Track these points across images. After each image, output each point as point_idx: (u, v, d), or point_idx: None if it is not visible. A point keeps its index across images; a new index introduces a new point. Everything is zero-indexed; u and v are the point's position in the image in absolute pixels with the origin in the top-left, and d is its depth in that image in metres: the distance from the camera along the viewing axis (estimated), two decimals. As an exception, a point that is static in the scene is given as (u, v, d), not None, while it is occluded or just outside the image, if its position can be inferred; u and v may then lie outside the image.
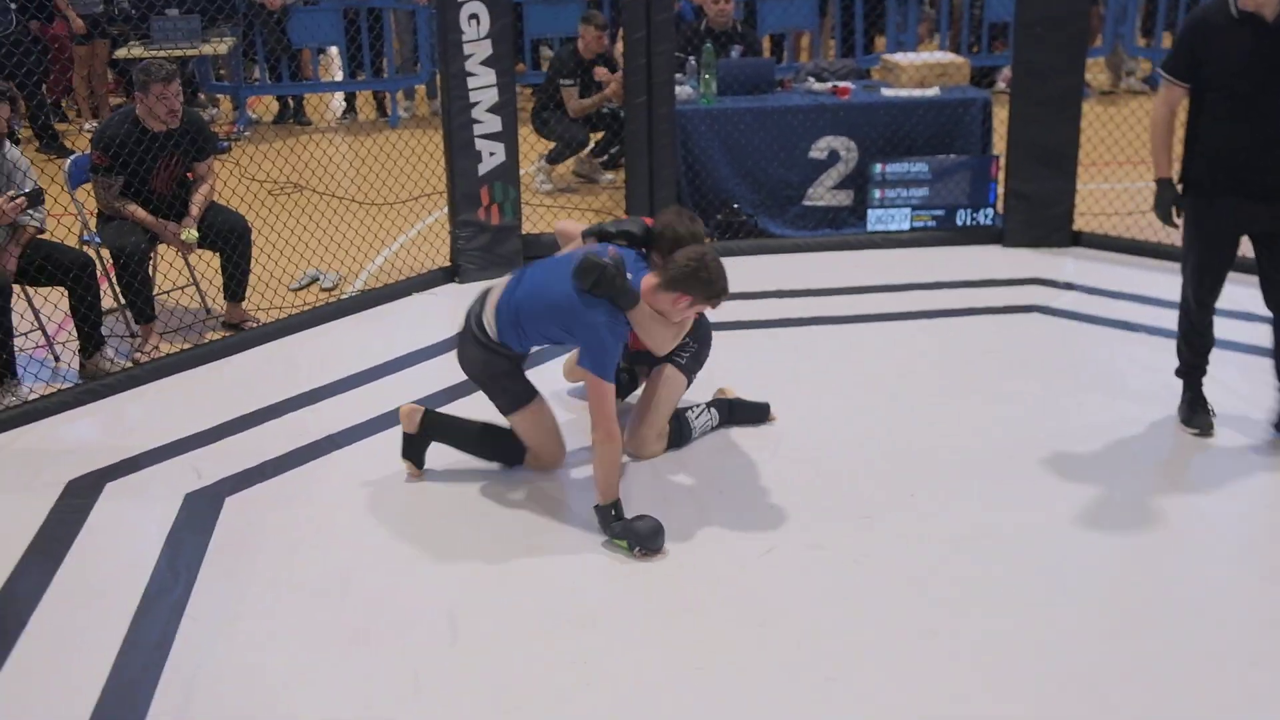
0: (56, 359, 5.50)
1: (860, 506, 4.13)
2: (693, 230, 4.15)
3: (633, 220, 4.27)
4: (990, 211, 6.86)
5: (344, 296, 6.23)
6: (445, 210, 6.59)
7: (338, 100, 11.08)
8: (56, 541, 4.03)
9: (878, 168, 6.81)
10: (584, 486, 4.32)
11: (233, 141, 9.42)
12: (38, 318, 5.49)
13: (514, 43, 6.58)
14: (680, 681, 3.29)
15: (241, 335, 5.69)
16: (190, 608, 3.65)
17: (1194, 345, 4.57)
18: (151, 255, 5.69)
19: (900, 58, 7.46)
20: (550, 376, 4.99)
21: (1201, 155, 4.34)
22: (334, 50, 11.18)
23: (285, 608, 3.67)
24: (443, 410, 4.49)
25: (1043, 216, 6.65)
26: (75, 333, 5.32)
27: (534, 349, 4.30)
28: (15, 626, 3.57)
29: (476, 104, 6.17)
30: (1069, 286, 6.13)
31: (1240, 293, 4.84)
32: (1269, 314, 4.42)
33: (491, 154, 6.25)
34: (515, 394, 4.23)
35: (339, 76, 11.09)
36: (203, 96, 10.35)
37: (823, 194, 7.02)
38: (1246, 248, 4.44)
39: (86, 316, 5.24)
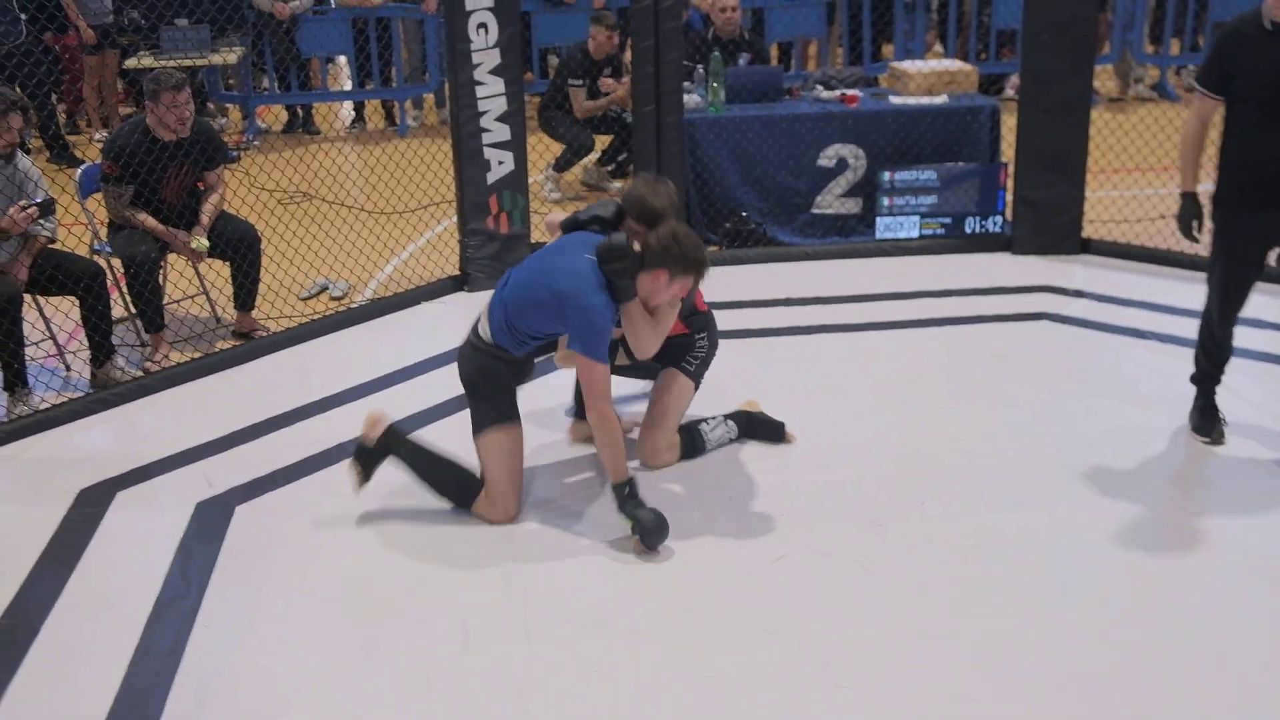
0: (68, 368, 5.53)
1: (869, 512, 4.13)
2: (657, 191, 4.11)
3: (601, 204, 4.24)
4: (999, 219, 6.86)
5: (353, 305, 6.25)
6: (454, 219, 6.60)
7: (346, 109, 11.11)
8: (68, 550, 4.05)
9: (886, 175, 6.81)
10: (592, 491, 4.33)
11: (242, 151, 9.45)
12: (49, 327, 5.51)
13: (522, 52, 6.59)
14: (690, 687, 3.29)
15: (251, 344, 5.70)
16: (202, 615, 3.66)
17: (1212, 356, 4.55)
18: (162, 264, 5.70)
19: (908, 65, 7.46)
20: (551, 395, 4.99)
21: (1231, 167, 4.31)
22: (343, 59, 11.21)
23: (297, 615, 3.68)
24: (417, 436, 4.31)
25: (1051, 224, 6.65)
26: (86, 342, 5.34)
27: (535, 358, 4.25)
28: (28, 634, 3.59)
29: (485, 113, 6.19)
30: (1078, 294, 6.12)
31: (1254, 300, 4.82)
32: None
33: (500, 163, 6.27)
34: (499, 409, 4.07)
35: (348, 86, 11.12)
36: (212, 106, 10.38)
37: (831, 202, 7.02)
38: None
39: (97, 326, 5.26)
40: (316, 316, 6.07)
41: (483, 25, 6.09)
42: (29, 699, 3.33)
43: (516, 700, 3.26)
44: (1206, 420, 4.57)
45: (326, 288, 6.49)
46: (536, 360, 4.26)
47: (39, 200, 5.07)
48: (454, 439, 4.56)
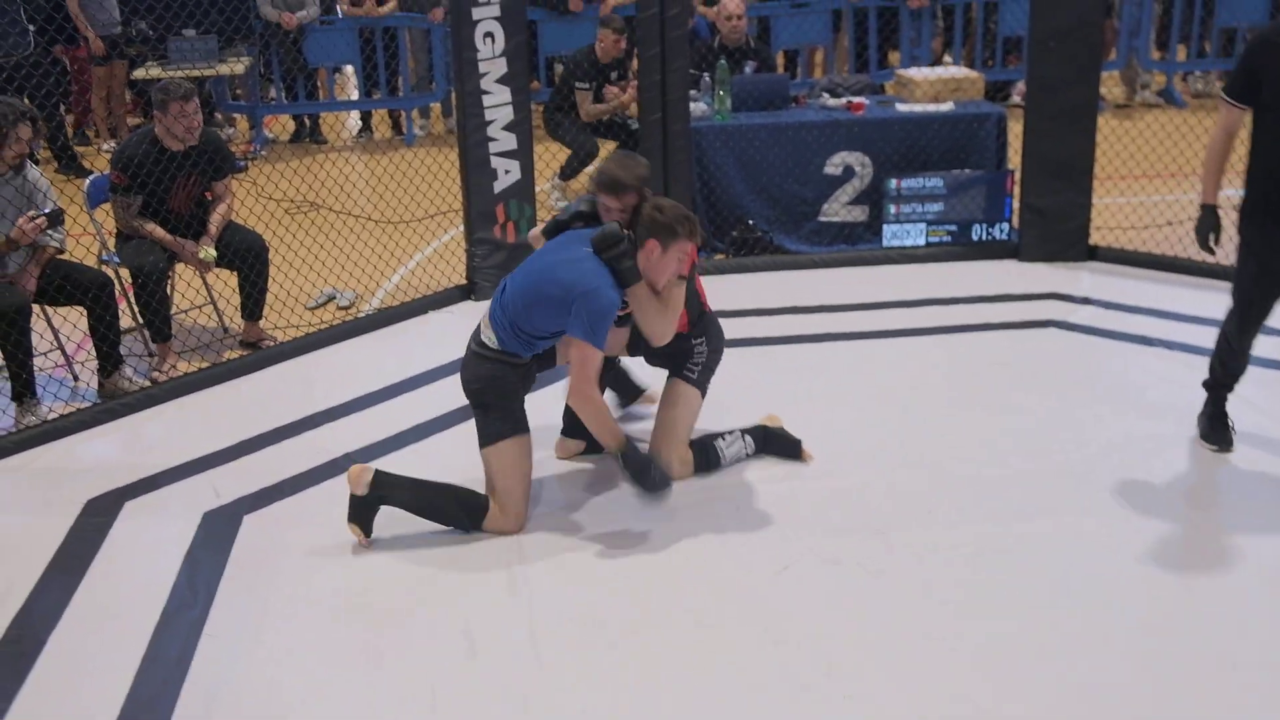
0: (75, 378, 5.54)
1: (875, 521, 4.13)
2: (626, 165, 4.14)
3: (580, 200, 4.28)
4: (1006, 226, 6.86)
5: (360, 315, 6.26)
6: (461, 228, 6.61)
7: (353, 119, 11.14)
8: (76, 559, 4.05)
9: (893, 183, 6.81)
10: (592, 501, 4.33)
11: (249, 161, 9.48)
12: (57, 337, 5.53)
13: (529, 60, 6.61)
14: (697, 695, 3.28)
15: (259, 354, 5.72)
16: (209, 625, 3.66)
17: (1228, 365, 4.50)
18: (170, 274, 5.72)
19: (914, 73, 7.47)
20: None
21: (1257, 179, 4.26)
22: (349, 69, 11.25)
23: (303, 624, 3.68)
24: (403, 472, 4.20)
25: (1058, 231, 6.64)
26: (94, 352, 5.36)
27: (539, 363, 4.25)
28: (35, 644, 3.59)
29: (492, 122, 6.20)
30: (1085, 301, 6.11)
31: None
32: None
33: (507, 171, 6.28)
34: (513, 420, 4.06)
35: (354, 95, 11.15)
36: (219, 116, 10.41)
37: (838, 209, 7.02)
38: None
39: (105, 336, 5.27)
40: (324, 326, 6.08)
41: (489, 34, 6.10)
42: (36, 709, 3.34)
43: (521, 708, 3.26)
44: (1216, 428, 4.55)
45: (334, 297, 6.50)
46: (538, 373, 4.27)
47: (48, 211, 5.08)
48: (461, 449, 4.58)
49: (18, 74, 8.26)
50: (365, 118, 10.84)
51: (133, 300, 5.61)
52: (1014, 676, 3.33)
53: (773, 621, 3.60)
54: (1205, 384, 4.61)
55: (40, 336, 5.29)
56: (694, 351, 4.35)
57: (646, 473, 3.97)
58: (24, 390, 5.08)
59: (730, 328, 4.68)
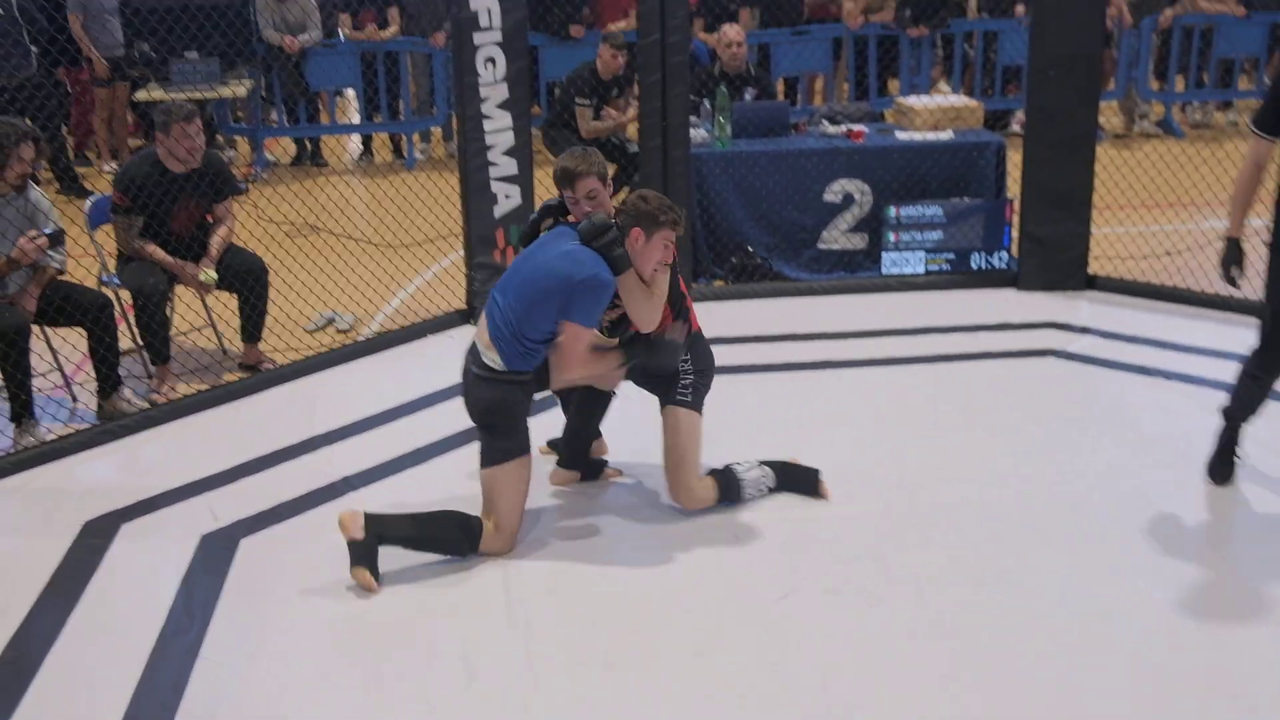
0: (74, 399, 5.54)
1: (875, 550, 4.12)
2: (575, 155, 4.20)
3: (544, 203, 4.33)
4: (1005, 255, 6.87)
5: (360, 338, 6.26)
6: (461, 252, 6.62)
7: (354, 142, 11.16)
8: (73, 581, 4.05)
9: (892, 211, 6.83)
10: (590, 527, 4.33)
11: (250, 183, 9.49)
12: (56, 358, 5.53)
13: (530, 86, 6.63)
14: (696, 726, 3.27)
15: (258, 376, 5.71)
16: (205, 649, 3.65)
17: (1245, 400, 4.41)
18: (170, 296, 5.72)
19: (914, 101, 7.49)
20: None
21: None
22: (351, 93, 11.26)
23: (300, 649, 3.67)
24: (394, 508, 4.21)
25: (1057, 260, 6.65)
26: (93, 373, 5.35)
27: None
28: (31, 666, 3.58)
29: (492, 147, 6.22)
30: (1084, 330, 6.12)
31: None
32: None
33: (507, 196, 6.29)
34: (518, 442, 4.07)
35: (356, 119, 11.18)
36: (221, 138, 10.44)
37: (837, 237, 7.04)
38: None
39: (105, 357, 5.27)
40: (323, 349, 6.08)
41: (490, 59, 6.13)
42: (32, 732, 3.33)
43: (521, 737, 3.25)
44: (1218, 461, 4.51)
45: (333, 320, 6.50)
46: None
47: (49, 231, 5.09)
48: (460, 474, 4.58)
49: (20, 95, 8.29)
50: (366, 141, 10.87)
51: (132, 322, 5.61)
52: (1014, 705, 3.32)
53: (773, 650, 3.59)
54: (1222, 411, 4.53)
55: (39, 357, 5.29)
56: (681, 373, 4.30)
57: (657, 351, 4.04)
58: (23, 411, 5.07)
59: (729, 354, 4.69)
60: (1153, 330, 6.04)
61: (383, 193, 8.14)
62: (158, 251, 5.56)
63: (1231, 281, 4.43)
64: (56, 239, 5.12)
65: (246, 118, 10.61)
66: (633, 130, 7.70)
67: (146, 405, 5.39)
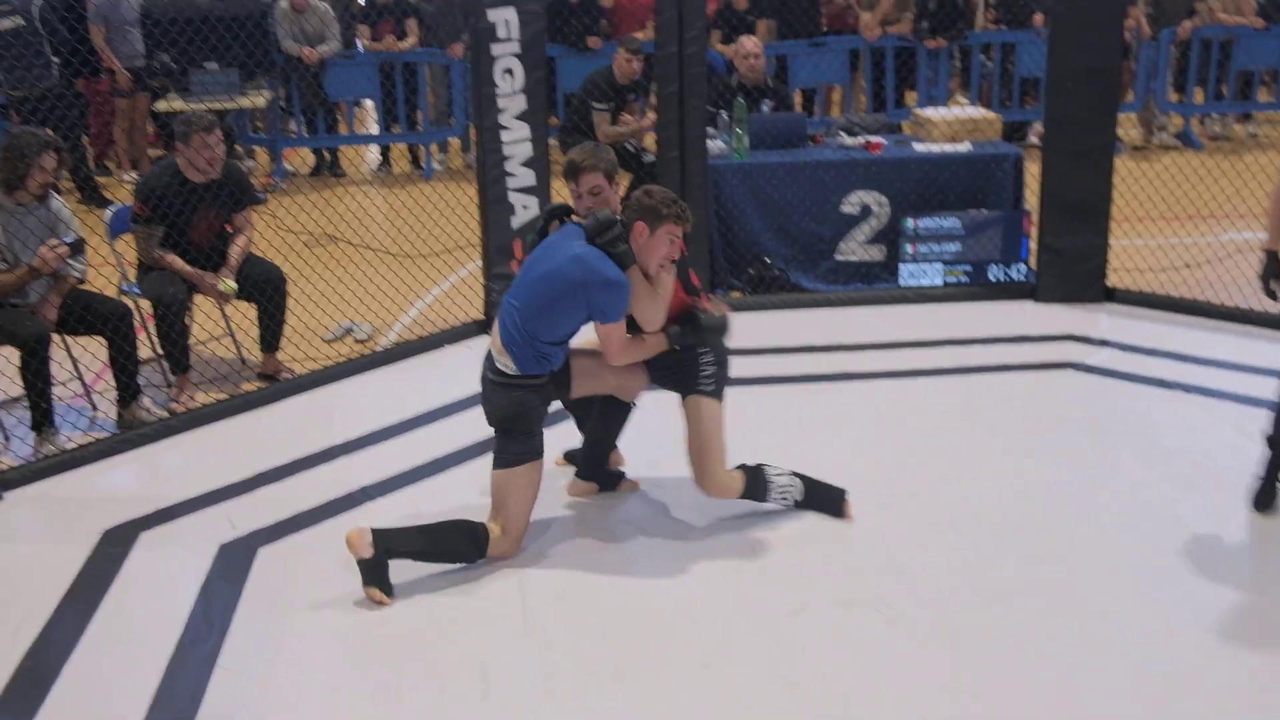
0: (94, 408, 5.57)
1: (891, 563, 4.11)
2: (585, 150, 4.21)
3: (547, 210, 4.30)
4: (1023, 267, 6.86)
5: (378, 348, 6.28)
6: (479, 263, 6.64)
7: (373, 153, 11.20)
8: (92, 589, 4.06)
9: (910, 222, 6.82)
10: (608, 539, 4.33)
11: (269, 193, 9.53)
12: (76, 367, 5.56)
13: (547, 97, 6.65)
14: (713, 739, 3.27)
15: (276, 386, 5.74)
16: (223, 657, 3.66)
17: None
18: (189, 306, 5.75)
19: (931, 113, 7.49)
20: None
21: None
22: (369, 103, 11.32)
23: (317, 658, 3.68)
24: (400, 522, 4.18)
25: (1076, 272, 6.64)
26: (113, 382, 5.38)
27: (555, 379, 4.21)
28: (50, 674, 3.60)
29: (510, 158, 6.24)
30: (1103, 343, 6.10)
31: None
32: None
33: (525, 207, 6.31)
34: (532, 446, 4.07)
35: (374, 129, 11.23)
36: (240, 149, 10.49)
37: (854, 248, 7.03)
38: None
39: (125, 366, 5.30)
40: (341, 359, 6.10)
41: (508, 70, 6.15)
42: (50, 740, 3.34)
43: (537, 748, 3.25)
44: (1266, 490, 4.38)
45: (351, 330, 6.52)
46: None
47: (69, 240, 5.12)
48: (477, 484, 4.58)
49: (42, 105, 8.35)
50: (384, 152, 10.92)
51: (152, 331, 5.64)
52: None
53: (787, 663, 3.58)
54: (1268, 439, 4.38)
55: (60, 366, 5.32)
56: (700, 363, 4.26)
57: (704, 330, 4.10)
58: (43, 419, 5.10)
59: (746, 366, 4.69)
60: (1172, 343, 6.02)
61: (401, 203, 8.15)
62: (177, 261, 5.58)
63: (1271, 295, 4.39)
64: (77, 248, 5.15)
65: (266, 128, 10.67)
66: (650, 141, 7.72)
67: (165, 414, 5.41)
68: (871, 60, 10.54)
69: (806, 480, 4.44)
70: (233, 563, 4.21)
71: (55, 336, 5.23)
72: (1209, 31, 10.37)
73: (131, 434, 5.19)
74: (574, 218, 4.22)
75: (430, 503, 4.51)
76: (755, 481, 4.35)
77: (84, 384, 5.59)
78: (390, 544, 3.96)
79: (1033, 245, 6.80)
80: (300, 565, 4.17)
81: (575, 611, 3.89)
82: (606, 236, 3.94)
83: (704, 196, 6.61)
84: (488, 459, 4.21)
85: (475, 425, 5.09)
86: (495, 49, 6.11)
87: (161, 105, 9.57)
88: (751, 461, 4.37)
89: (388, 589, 3.95)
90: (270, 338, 5.85)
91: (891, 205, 6.95)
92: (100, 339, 5.34)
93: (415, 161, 10.80)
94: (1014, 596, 3.89)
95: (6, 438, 5.22)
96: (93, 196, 9.33)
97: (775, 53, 10.20)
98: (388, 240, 7.76)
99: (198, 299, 5.89)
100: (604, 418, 4.49)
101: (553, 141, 7.28)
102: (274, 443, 5.16)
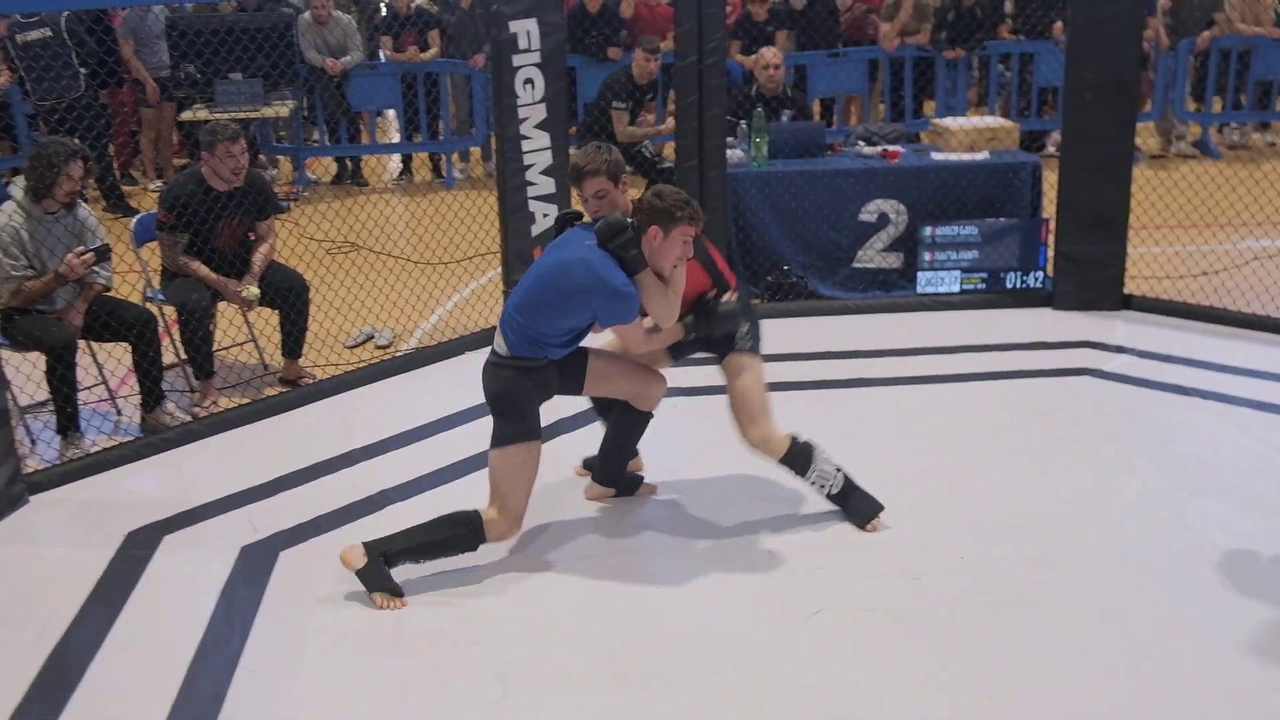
0: (119, 413, 5.63)
1: (909, 568, 4.13)
2: (588, 154, 4.22)
3: (558, 217, 4.32)
4: (1040, 274, 6.87)
5: (398, 354, 6.33)
6: (498, 270, 6.69)
7: (394, 162, 11.28)
8: (116, 591, 4.11)
9: (927, 231, 6.84)
10: (630, 543, 4.36)
11: (292, 201, 9.62)
12: (101, 372, 5.63)
13: (568, 107, 6.70)
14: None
15: (298, 391, 5.79)
16: (245, 659, 3.71)
17: None
18: (213, 312, 5.81)
19: (950, 122, 7.51)
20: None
21: None
22: (391, 113, 11.41)
23: (337, 661, 3.72)
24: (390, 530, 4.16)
25: (1093, 280, 6.65)
26: (137, 387, 5.44)
27: (554, 367, 4.16)
28: (75, 674, 3.65)
29: (530, 166, 6.29)
30: (1120, 350, 6.11)
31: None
32: None
33: (545, 215, 6.35)
34: (524, 425, 4.04)
35: (396, 138, 11.31)
36: (263, 157, 10.59)
37: (872, 256, 7.05)
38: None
39: (148, 371, 5.36)
40: (362, 365, 6.15)
41: (529, 81, 6.20)
42: (75, 737, 3.39)
43: (554, 747, 3.28)
44: None
45: (372, 336, 6.58)
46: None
47: (95, 247, 5.19)
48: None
49: (70, 115, 8.46)
50: (406, 160, 10.99)
51: (176, 337, 5.71)
52: (1044, 724, 3.33)
53: (801, 667, 3.60)
54: None
55: (85, 371, 5.39)
56: (739, 323, 4.29)
57: (718, 319, 4.15)
58: (69, 424, 5.17)
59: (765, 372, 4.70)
60: (1188, 350, 6.02)
61: (422, 211, 8.23)
62: (202, 268, 5.65)
63: None
64: (103, 255, 5.22)
65: (289, 137, 10.77)
66: (670, 149, 7.76)
67: (188, 419, 5.47)
68: (890, 70, 10.57)
69: (850, 481, 4.42)
70: (254, 565, 4.26)
71: (81, 342, 5.31)
72: (1227, 41, 10.36)
73: (155, 438, 5.25)
74: (584, 221, 4.26)
75: (450, 507, 4.52)
76: (801, 452, 4.34)
77: (109, 389, 5.66)
78: (384, 549, 3.99)
79: (1050, 253, 6.81)
80: (321, 568, 4.21)
81: (591, 614, 3.92)
82: (618, 241, 3.94)
83: (723, 205, 6.65)
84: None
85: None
86: (516, 59, 6.16)
87: (187, 115, 9.66)
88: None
89: (395, 590, 3.98)
90: (292, 343, 5.91)
91: (909, 213, 6.97)
92: (125, 345, 5.40)
93: (436, 170, 10.87)
94: (1030, 604, 3.90)
95: (33, 441, 5.29)
96: (118, 205, 9.43)
97: (795, 62, 10.25)
98: (409, 248, 7.82)
99: (221, 305, 5.95)
100: (620, 424, 4.52)
101: (573, 150, 7.34)
102: (295, 447, 5.22)
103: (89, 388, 5.57)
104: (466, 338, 6.43)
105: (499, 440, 4.06)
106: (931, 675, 3.55)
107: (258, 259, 5.78)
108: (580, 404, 5.14)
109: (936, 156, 7.16)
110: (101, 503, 4.79)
